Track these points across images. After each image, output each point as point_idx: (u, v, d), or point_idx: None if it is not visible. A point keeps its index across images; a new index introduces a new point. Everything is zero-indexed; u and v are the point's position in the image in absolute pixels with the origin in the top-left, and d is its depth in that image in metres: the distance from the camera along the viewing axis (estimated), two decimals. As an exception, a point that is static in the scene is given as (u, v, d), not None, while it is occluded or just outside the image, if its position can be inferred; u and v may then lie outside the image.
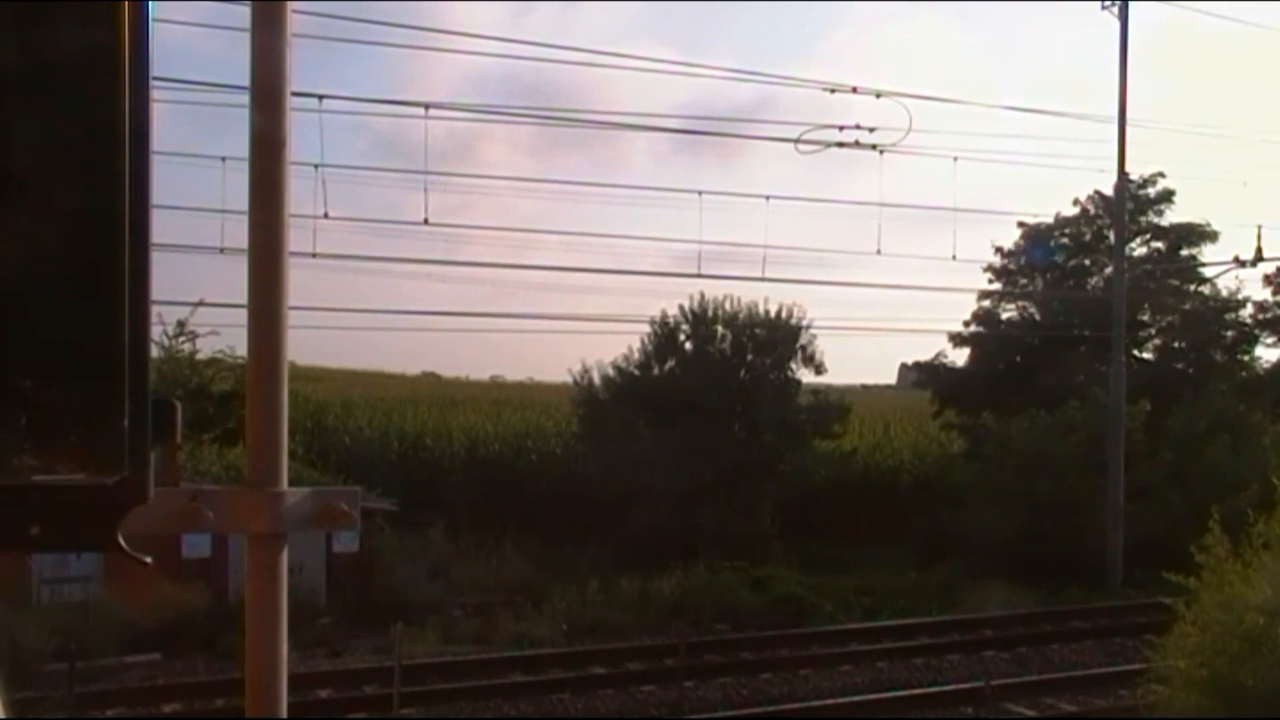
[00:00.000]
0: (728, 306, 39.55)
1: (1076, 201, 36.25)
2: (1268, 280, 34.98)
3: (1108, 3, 26.40)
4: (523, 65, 51.66)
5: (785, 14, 61.00)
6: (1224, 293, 34.93)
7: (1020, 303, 37.01)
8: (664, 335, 39.31)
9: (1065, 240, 36.28)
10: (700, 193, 23.30)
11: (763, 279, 25.44)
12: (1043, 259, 35.44)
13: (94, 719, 14.15)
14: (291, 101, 1.97)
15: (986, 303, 36.79)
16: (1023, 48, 60.70)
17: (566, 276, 47.88)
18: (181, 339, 25.77)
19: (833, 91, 21.91)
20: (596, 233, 46.34)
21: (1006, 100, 66.76)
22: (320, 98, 18.02)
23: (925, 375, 34.82)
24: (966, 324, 36.45)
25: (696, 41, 56.31)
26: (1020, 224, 35.33)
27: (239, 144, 1.96)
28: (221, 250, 18.61)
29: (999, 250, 35.72)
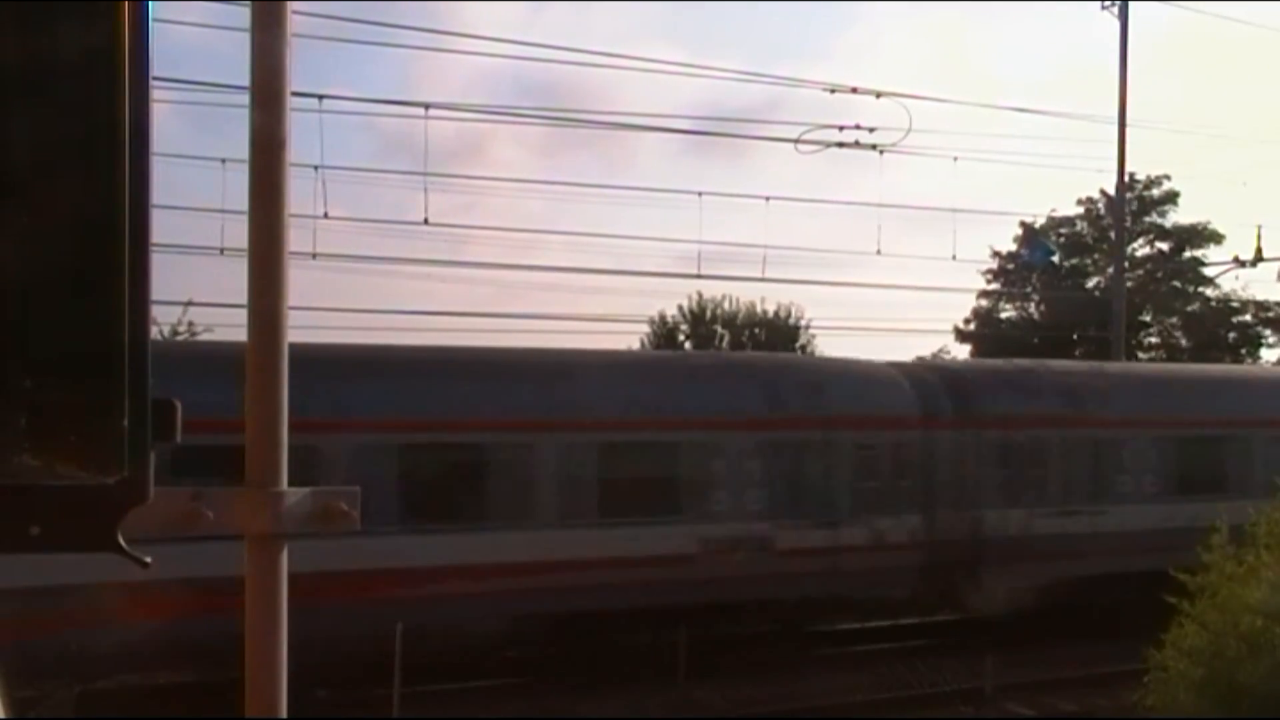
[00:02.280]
0: (726, 306, 39.68)
1: (1081, 201, 36.30)
2: (1280, 277, 35.02)
3: (1108, 3, 26.44)
4: (534, 65, 51.38)
5: (800, 12, 60.69)
6: (1232, 293, 35.00)
7: (1019, 303, 37.05)
8: (663, 335, 39.40)
9: (1063, 240, 36.33)
10: (700, 194, 23.23)
11: (763, 279, 25.40)
12: (1040, 260, 35.49)
13: (94, 719, 14.13)
14: (291, 101, 1.97)
15: (984, 302, 36.83)
16: (1023, 48, 60.69)
17: (571, 277, 47.89)
18: (182, 336, 25.82)
19: (832, 91, 21.93)
20: (600, 233, 46.19)
21: (1006, 100, 66.71)
22: (320, 97, 18.02)
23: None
24: (967, 322, 36.48)
25: (709, 41, 56.07)
26: (1022, 224, 35.38)
27: (243, 145, 1.96)
28: (221, 250, 18.61)
29: (997, 254, 35.77)
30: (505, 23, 55.18)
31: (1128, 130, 26.71)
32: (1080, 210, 36.55)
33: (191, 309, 25.25)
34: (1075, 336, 32.71)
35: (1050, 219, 36.13)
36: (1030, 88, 60.08)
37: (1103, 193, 35.25)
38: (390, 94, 73.86)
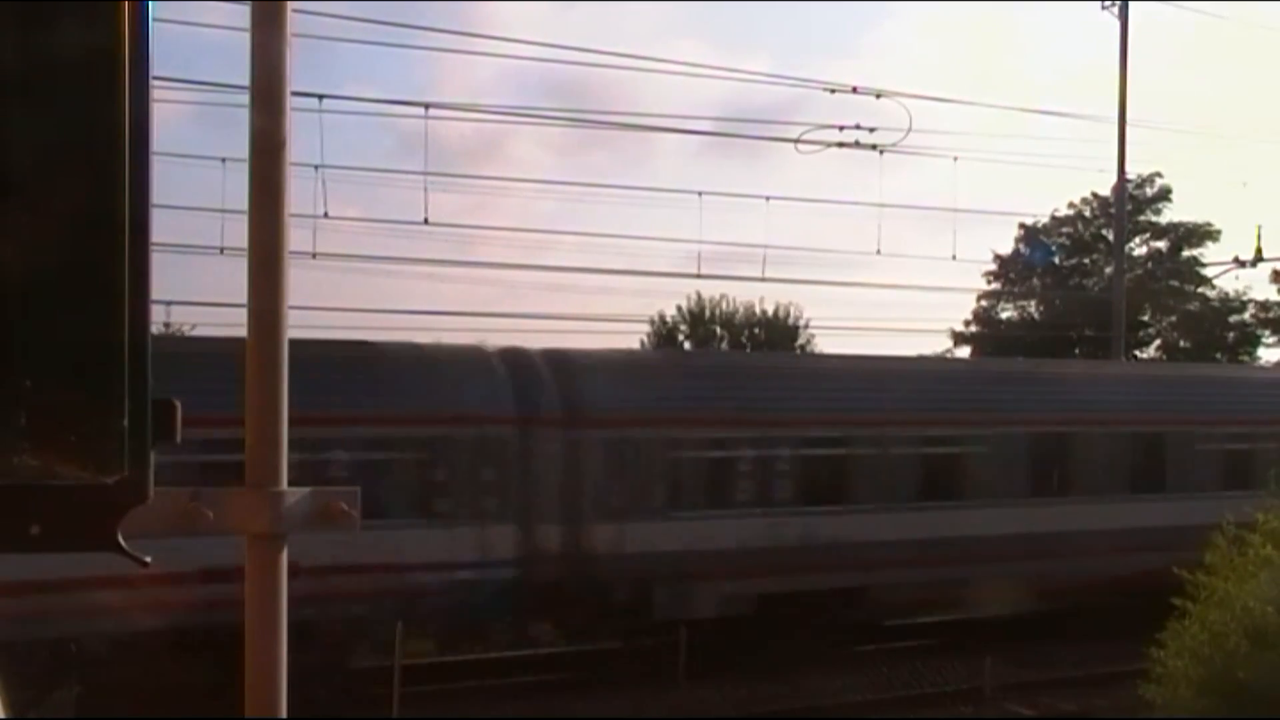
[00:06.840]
0: (724, 306, 39.68)
1: (1072, 204, 36.37)
2: (1276, 276, 35.01)
3: (1108, 3, 26.44)
4: (559, 65, 51.07)
5: (826, 10, 60.31)
6: (1231, 293, 35.00)
7: (1019, 303, 37.09)
8: (663, 335, 39.44)
9: (1064, 240, 36.38)
10: (700, 194, 23.18)
11: (763, 279, 25.36)
12: (1041, 260, 35.51)
13: (94, 719, 14.12)
14: (291, 101, 1.97)
15: (985, 302, 36.85)
16: (1023, 48, 60.70)
17: (579, 277, 47.87)
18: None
19: (832, 92, 21.90)
20: (606, 233, 46.09)
21: (1006, 100, 66.63)
22: (320, 97, 18.00)
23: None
24: (967, 323, 36.49)
25: (737, 40, 55.78)
26: (1022, 225, 35.40)
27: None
28: (221, 250, 18.58)
29: (997, 257, 35.79)
30: (531, 22, 55.01)
31: (1128, 130, 26.74)
32: (1079, 210, 36.60)
33: (190, 308, 25.18)
34: (1075, 335, 32.72)
35: (1052, 219, 36.17)
36: (1039, 88, 60.09)
37: (1094, 195, 35.36)
38: (412, 95, 73.69)
